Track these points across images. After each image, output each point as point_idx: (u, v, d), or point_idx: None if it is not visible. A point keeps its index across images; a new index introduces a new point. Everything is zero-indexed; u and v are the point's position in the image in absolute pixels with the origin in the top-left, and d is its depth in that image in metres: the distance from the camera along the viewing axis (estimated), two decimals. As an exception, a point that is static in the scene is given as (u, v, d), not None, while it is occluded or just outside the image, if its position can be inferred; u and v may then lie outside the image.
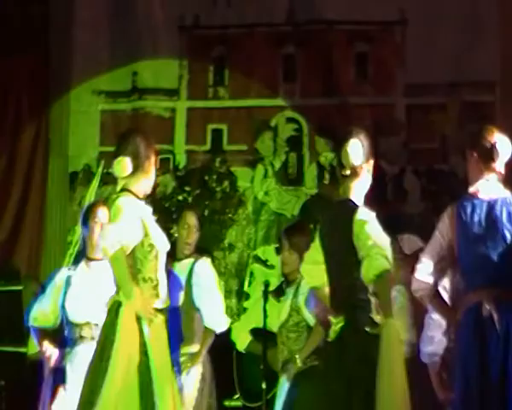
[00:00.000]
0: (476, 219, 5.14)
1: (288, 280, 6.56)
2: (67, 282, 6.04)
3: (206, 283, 6.37)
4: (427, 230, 8.18)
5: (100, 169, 8.05)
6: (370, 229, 5.10)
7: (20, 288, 7.84)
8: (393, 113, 8.72)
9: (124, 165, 5.40)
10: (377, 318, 5.18)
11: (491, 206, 5.15)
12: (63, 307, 6.05)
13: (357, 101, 8.73)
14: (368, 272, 5.04)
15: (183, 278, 6.55)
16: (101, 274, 5.79)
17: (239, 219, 8.66)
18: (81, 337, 5.99)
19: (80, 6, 9.13)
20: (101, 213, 6.05)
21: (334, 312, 5.24)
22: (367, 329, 5.13)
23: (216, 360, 6.71)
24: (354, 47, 8.77)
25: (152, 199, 8.33)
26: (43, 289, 6.36)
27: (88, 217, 6.17)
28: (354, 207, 5.18)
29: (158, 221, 7.97)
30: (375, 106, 8.75)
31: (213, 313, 6.43)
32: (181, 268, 6.55)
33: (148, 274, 5.30)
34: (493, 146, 5.17)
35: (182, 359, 6.49)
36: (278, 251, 7.87)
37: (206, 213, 8.56)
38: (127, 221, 5.21)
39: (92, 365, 5.39)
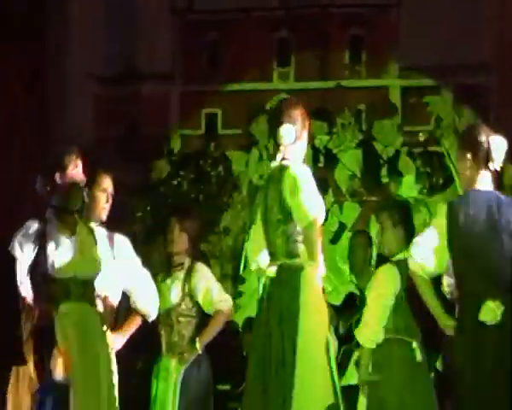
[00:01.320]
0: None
1: (174, 263, 6.29)
2: (44, 232, 5.51)
3: (131, 259, 5.75)
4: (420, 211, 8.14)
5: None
6: None
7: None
8: (388, 95, 8.71)
9: (290, 133, 5.33)
10: None
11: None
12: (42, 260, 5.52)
13: (352, 84, 8.77)
14: None
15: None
16: (89, 237, 5.42)
17: (234, 202, 8.64)
18: (67, 294, 5.57)
19: None
20: (108, 183, 5.58)
21: (487, 296, 5.11)
22: None
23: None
24: (349, 30, 8.83)
25: (146, 183, 8.33)
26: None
27: (92, 183, 5.63)
28: (508, 199, 5.08)
29: (153, 206, 7.61)
30: (369, 89, 8.79)
31: (146, 297, 5.86)
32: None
33: None
34: (491, 148, 5.10)
35: None
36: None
37: (201, 197, 8.58)
38: (314, 188, 5.18)
39: (272, 327, 4.85)
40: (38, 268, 5.11)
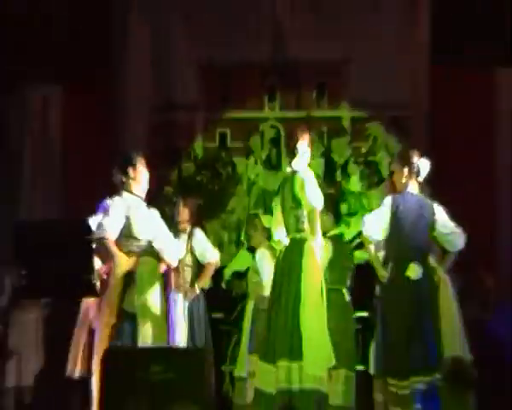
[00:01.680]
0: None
1: (180, 229, 6.62)
2: (129, 207, 5.35)
3: (161, 226, 5.55)
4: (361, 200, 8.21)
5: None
6: (446, 216, 5.64)
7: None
8: (342, 122, 8.77)
9: (303, 147, 5.73)
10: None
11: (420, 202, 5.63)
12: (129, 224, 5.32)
13: (318, 114, 8.76)
14: (456, 244, 5.65)
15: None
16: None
17: (238, 192, 8.74)
18: (144, 251, 5.33)
19: (134, 46, 8.81)
20: (147, 175, 5.61)
21: (412, 260, 5.50)
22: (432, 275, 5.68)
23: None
24: (316, 78, 8.76)
25: (180, 179, 8.55)
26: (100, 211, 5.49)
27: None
28: (429, 201, 5.65)
29: (185, 194, 7.73)
30: (329, 118, 8.80)
31: (171, 253, 5.64)
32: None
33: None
34: (419, 167, 5.64)
35: None
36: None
37: (216, 188, 8.68)
38: (315, 186, 5.61)
39: (284, 277, 5.53)
40: (124, 230, 5.21)
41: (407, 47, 8.56)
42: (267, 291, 6.15)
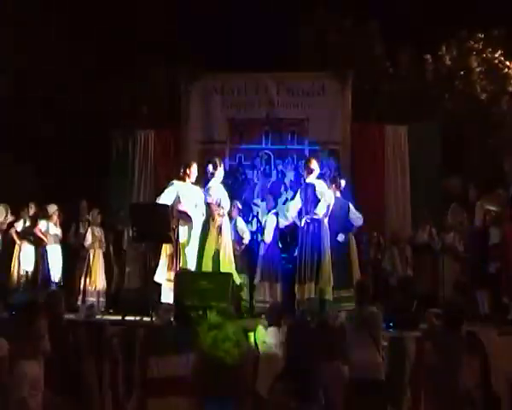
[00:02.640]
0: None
1: (231, 216, 6.85)
2: (218, 188, 5.87)
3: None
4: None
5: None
6: (354, 208, 6.19)
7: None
8: (304, 153, 8.96)
9: (316, 166, 6.05)
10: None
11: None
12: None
13: (292, 147, 8.98)
14: (359, 222, 6.08)
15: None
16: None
17: (245, 188, 8.91)
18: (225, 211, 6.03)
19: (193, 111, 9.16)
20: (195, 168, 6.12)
21: (340, 231, 5.97)
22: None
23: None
24: (290, 128, 9.00)
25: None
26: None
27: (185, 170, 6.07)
28: (346, 201, 6.31)
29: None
30: (297, 149, 9.00)
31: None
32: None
33: None
34: (340, 184, 6.45)
35: None
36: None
37: (236, 187, 8.59)
38: (326, 188, 5.84)
39: (306, 239, 5.76)
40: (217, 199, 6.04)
41: (339, 111, 9.08)
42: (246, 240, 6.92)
